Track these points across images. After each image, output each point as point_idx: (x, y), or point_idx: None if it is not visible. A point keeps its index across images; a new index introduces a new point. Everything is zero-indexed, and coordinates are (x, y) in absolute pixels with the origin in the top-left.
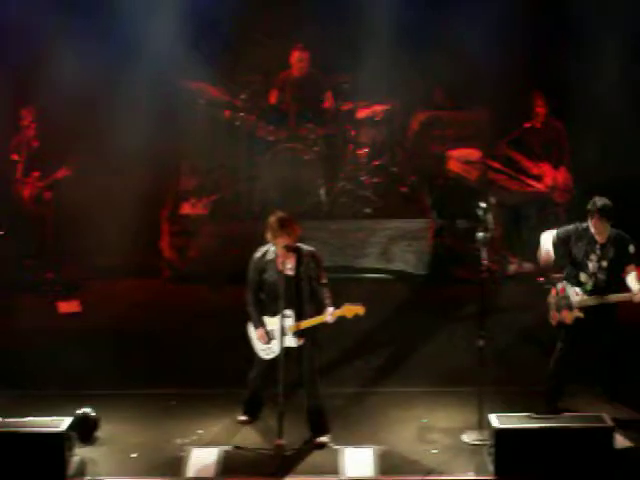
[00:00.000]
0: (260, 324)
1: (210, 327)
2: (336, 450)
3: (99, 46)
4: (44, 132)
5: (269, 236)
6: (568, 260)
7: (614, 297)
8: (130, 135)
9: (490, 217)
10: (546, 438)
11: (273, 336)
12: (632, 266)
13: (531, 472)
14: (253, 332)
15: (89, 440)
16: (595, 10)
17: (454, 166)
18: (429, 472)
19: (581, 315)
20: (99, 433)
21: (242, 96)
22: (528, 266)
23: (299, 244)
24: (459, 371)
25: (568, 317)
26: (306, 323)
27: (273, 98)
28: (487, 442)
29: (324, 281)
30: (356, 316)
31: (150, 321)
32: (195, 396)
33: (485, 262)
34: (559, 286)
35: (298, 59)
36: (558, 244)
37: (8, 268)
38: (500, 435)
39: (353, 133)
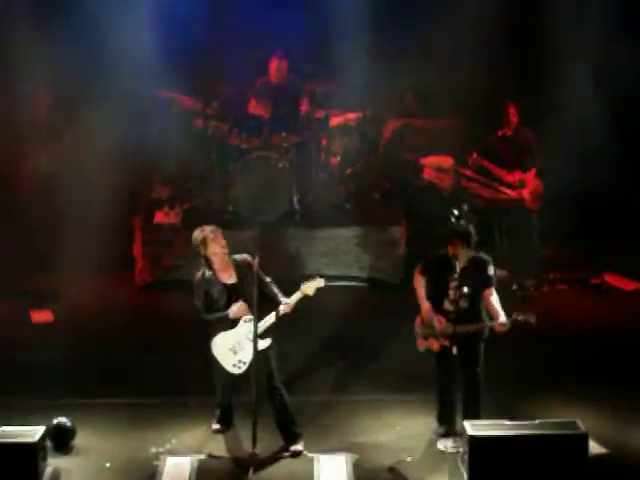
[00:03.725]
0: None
1: (183, 336)
2: (311, 458)
3: (71, 53)
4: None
5: (201, 249)
6: (431, 288)
7: (473, 326)
8: (102, 142)
9: (464, 223)
10: (520, 445)
11: (239, 348)
12: (491, 289)
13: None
14: (221, 348)
15: (65, 449)
16: (566, 12)
17: (427, 174)
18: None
19: (447, 343)
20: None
21: (214, 104)
22: (500, 273)
23: (233, 255)
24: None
25: (434, 345)
26: (266, 322)
27: (251, 106)
28: (461, 449)
29: (267, 279)
30: (318, 290)
31: (123, 329)
32: (169, 405)
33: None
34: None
35: (277, 68)
36: (427, 279)
37: None
38: (474, 442)
39: (325, 141)
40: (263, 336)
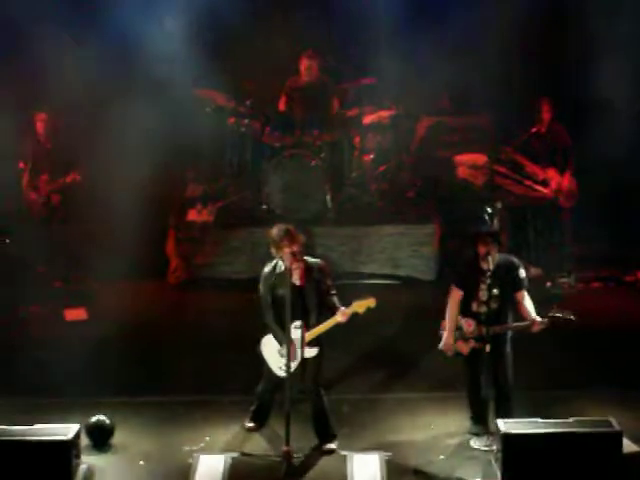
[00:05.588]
0: (287, 340)
1: (217, 334)
2: (344, 456)
3: (107, 53)
4: (54, 137)
5: (273, 249)
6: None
7: (509, 326)
8: (137, 142)
9: (496, 222)
10: (554, 443)
11: (286, 352)
12: (523, 292)
13: (539, 478)
14: (269, 348)
15: (104, 447)
16: (601, 13)
17: (460, 171)
18: (436, 478)
19: (477, 346)
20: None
21: (247, 103)
22: (534, 271)
23: (306, 257)
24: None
25: (464, 348)
26: (320, 328)
27: (282, 104)
28: (495, 448)
29: (333, 292)
30: (368, 309)
31: (157, 328)
32: (203, 403)
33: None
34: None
35: (307, 66)
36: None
37: (18, 276)
38: (507, 440)
39: (358, 139)
40: (312, 344)
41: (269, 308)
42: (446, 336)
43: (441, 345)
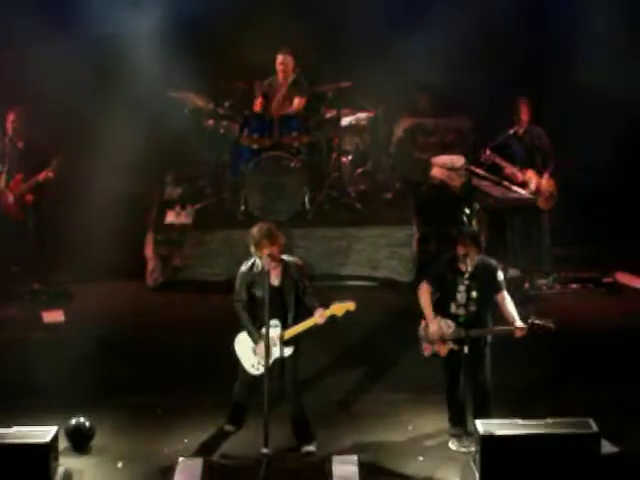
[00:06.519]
0: (260, 338)
1: (195, 336)
2: (322, 458)
3: (84, 52)
4: (28, 135)
5: (252, 248)
6: (437, 292)
7: (489, 330)
8: (115, 142)
9: (474, 223)
10: (532, 444)
11: (259, 350)
12: (502, 293)
13: (517, 479)
14: (243, 346)
15: (84, 449)
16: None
17: (438, 173)
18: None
19: (455, 347)
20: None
21: (226, 104)
22: (513, 272)
23: (283, 255)
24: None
25: (442, 350)
26: (298, 328)
27: (258, 105)
28: (473, 449)
29: (310, 290)
30: (347, 312)
31: (135, 329)
32: (181, 405)
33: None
34: None
35: (281, 62)
36: (434, 289)
37: None
38: (486, 441)
39: (337, 140)
40: (287, 343)
41: (244, 306)
42: (430, 326)
43: (429, 335)
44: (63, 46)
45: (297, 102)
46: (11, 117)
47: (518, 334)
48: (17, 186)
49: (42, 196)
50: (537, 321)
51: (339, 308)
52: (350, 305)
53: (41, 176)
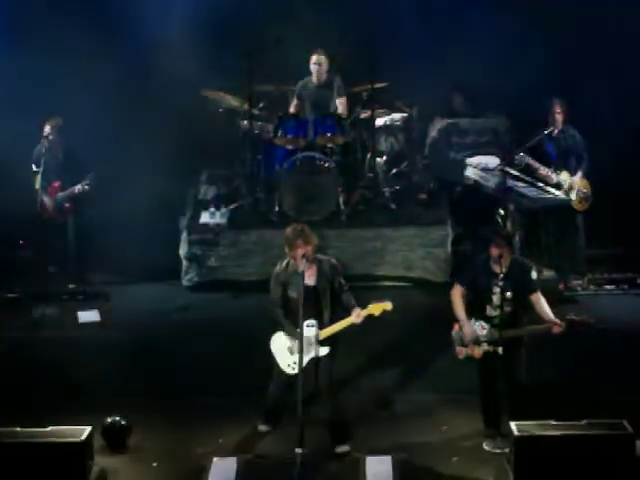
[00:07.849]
0: (298, 336)
1: (229, 336)
2: (357, 458)
3: (119, 56)
4: (64, 146)
5: (287, 248)
6: (471, 294)
7: (524, 330)
8: (150, 143)
9: (509, 224)
10: (566, 446)
11: (297, 350)
12: (537, 294)
13: None
14: (279, 346)
15: (121, 448)
16: (616, 16)
17: (472, 173)
18: None
19: (490, 349)
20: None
21: (261, 105)
22: (548, 274)
23: (318, 255)
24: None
25: (476, 352)
26: (335, 327)
27: (293, 107)
28: (507, 450)
29: (346, 288)
30: (384, 312)
31: (169, 329)
32: (216, 405)
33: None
34: None
35: (316, 62)
36: (467, 292)
37: (31, 278)
38: (520, 443)
39: (371, 141)
40: (324, 343)
41: (279, 307)
42: (464, 329)
43: (463, 337)
44: (99, 54)
45: (340, 103)
46: (51, 125)
47: (556, 330)
48: (55, 191)
49: (80, 203)
50: (576, 317)
51: (376, 308)
52: (387, 305)
53: (77, 189)
